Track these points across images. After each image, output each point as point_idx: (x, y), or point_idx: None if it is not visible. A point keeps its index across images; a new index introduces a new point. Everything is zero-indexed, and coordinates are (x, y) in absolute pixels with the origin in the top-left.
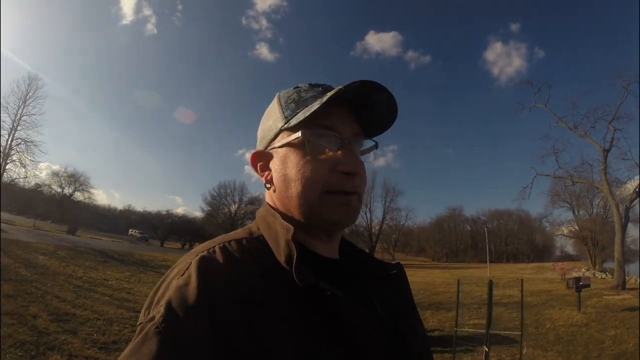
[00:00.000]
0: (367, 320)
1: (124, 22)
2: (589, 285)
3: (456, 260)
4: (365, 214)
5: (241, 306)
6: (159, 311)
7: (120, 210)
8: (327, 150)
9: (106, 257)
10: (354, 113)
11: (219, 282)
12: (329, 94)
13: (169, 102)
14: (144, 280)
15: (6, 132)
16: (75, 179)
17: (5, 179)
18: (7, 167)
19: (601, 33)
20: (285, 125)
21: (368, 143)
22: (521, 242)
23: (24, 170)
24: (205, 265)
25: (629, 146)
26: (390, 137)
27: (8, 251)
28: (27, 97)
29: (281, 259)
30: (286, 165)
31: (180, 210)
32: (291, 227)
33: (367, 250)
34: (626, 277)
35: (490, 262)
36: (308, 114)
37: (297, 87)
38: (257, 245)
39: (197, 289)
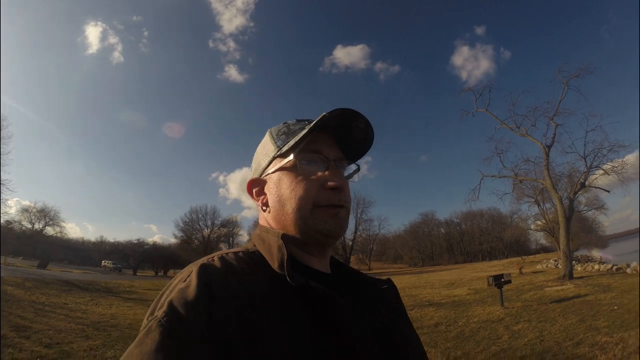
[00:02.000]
0: (361, 321)
1: (90, 51)
2: (509, 282)
3: (432, 264)
4: None
5: (239, 307)
6: (162, 310)
7: (93, 242)
8: (315, 171)
9: (71, 286)
10: (337, 140)
11: (218, 285)
12: (314, 121)
13: (141, 129)
14: (102, 303)
15: None
16: (45, 214)
17: None
18: None
19: (540, 33)
20: (278, 153)
21: (351, 167)
22: (495, 240)
23: None
24: (205, 270)
25: (572, 140)
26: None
27: None
28: None
29: (274, 265)
30: (280, 187)
31: (156, 238)
32: (281, 232)
33: (342, 261)
34: (573, 267)
35: (466, 262)
36: (298, 138)
37: (286, 122)
38: (253, 258)
39: (197, 290)
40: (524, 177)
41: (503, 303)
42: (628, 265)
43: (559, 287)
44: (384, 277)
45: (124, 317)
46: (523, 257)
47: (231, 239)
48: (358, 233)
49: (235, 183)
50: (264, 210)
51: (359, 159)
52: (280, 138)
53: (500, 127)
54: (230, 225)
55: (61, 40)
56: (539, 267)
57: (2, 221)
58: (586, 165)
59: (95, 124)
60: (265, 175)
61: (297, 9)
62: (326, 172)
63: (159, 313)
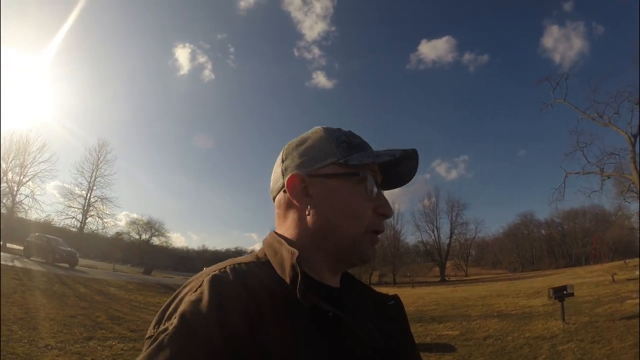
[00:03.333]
0: (370, 342)
1: (182, 72)
2: (572, 294)
3: (532, 268)
4: (432, 231)
5: (250, 321)
6: (172, 323)
7: (196, 251)
8: (374, 192)
9: (167, 289)
10: (380, 165)
11: (230, 298)
12: (398, 151)
13: (236, 144)
14: None
15: (84, 192)
16: (151, 226)
17: (86, 231)
18: (87, 220)
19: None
20: (341, 161)
21: None
22: (599, 241)
23: (101, 222)
24: (217, 282)
25: None
26: (462, 147)
27: (87, 285)
28: (99, 161)
29: (286, 279)
30: (337, 197)
31: (256, 246)
32: (296, 252)
33: (438, 268)
34: None
35: (568, 266)
36: (376, 160)
37: (339, 129)
38: (264, 269)
39: (209, 303)
40: (610, 173)
41: (564, 318)
42: None
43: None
44: (391, 292)
45: None
46: (627, 260)
47: None
48: (454, 237)
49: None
50: (307, 214)
51: (387, 189)
52: (342, 146)
53: (582, 117)
54: None
55: (155, 66)
56: (637, 273)
57: (110, 233)
58: None
59: (194, 140)
60: (318, 176)
61: (378, 8)
62: (378, 197)
63: (170, 325)
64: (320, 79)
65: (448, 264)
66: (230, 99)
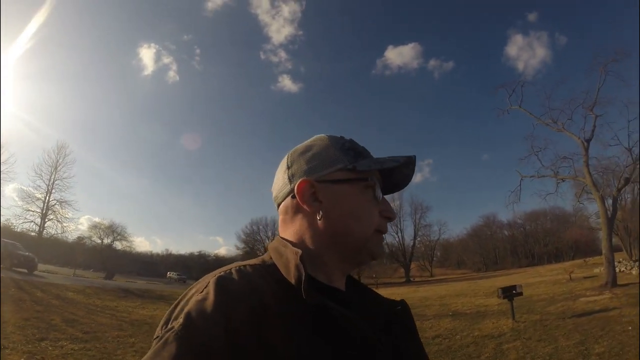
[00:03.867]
0: (377, 342)
1: (146, 72)
2: (520, 294)
3: (496, 268)
4: (397, 233)
5: (255, 320)
6: (178, 322)
7: (159, 255)
8: (379, 196)
9: (127, 293)
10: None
11: (236, 298)
12: (402, 158)
13: (202, 146)
14: (148, 307)
15: (42, 195)
16: (113, 230)
17: (45, 235)
18: (46, 224)
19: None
20: (351, 167)
21: None
22: (560, 240)
23: (61, 226)
24: (223, 283)
25: (614, 131)
26: (426, 151)
27: (44, 290)
28: (58, 164)
29: (291, 280)
30: (347, 201)
31: (222, 250)
32: (299, 251)
33: (403, 269)
34: (616, 273)
35: (531, 265)
36: (383, 167)
37: (342, 137)
38: (270, 271)
39: (214, 303)
40: (564, 176)
41: (514, 316)
42: None
43: (593, 298)
44: (398, 298)
45: (159, 317)
46: (586, 259)
47: None
48: (418, 239)
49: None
50: (319, 219)
51: (386, 194)
52: (349, 153)
53: (537, 123)
54: None
55: (119, 65)
56: (596, 270)
57: (71, 237)
58: (632, 157)
59: (157, 141)
60: (326, 182)
61: (345, 13)
62: (382, 201)
63: (176, 324)
64: (286, 83)
65: (413, 265)
66: (195, 101)
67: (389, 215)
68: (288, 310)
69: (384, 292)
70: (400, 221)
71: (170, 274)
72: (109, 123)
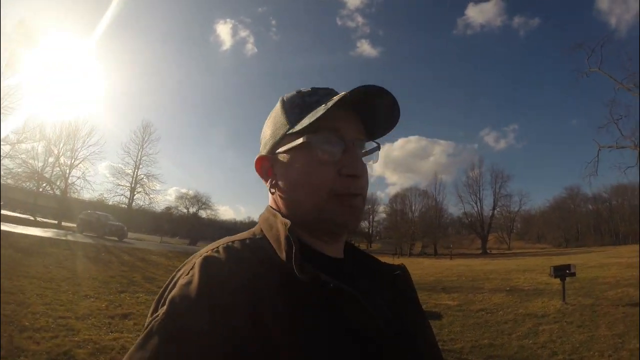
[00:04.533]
0: (374, 313)
1: (224, 47)
2: (574, 274)
3: (577, 245)
4: (475, 203)
5: (245, 300)
6: (163, 309)
7: (242, 222)
8: (331, 153)
9: None
10: (357, 115)
11: (222, 279)
12: (334, 99)
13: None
14: None
15: (131, 171)
16: (198, 200)
17: (134, 207)
18: (135, 197)
19: None
20: (290, 130)
21: (370, 145)
22: None
23: (148, 197)
24: (208, 264)
25: None
26: (512, 116)
27: (131, 254)
28: (144, 141)
29: (282, 255)
30: (291, 170)
31: None
32: (288, 222)
33: (480, 240)
34: None
35: (615, 244)
36: (313, 119)
37: (300, 91)
38: (260, 245)
39: (198, 286)
40: None
41: (565, 298)
42: None
43: None
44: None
45: None
46: None
47: (371, 216)
48: (497, 209)
49: (379, 159)
50: (272, 193)
51: (380, 137)
52: (294, 112)
53: (618, 88)
54: (369, 203)
55: (196, 42)
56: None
57: (159, 207)
58: None
59: (239, 114)
60: (276, 153)
61: None
62: (343, 155)
63: (161, 312)
64: (365, 48)
65: (491, 237)
66: (274, 72)
67: (347, 171)
68: (280, 286)
69: (453, 263)
70: (479, 190)
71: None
72: (193, 100)
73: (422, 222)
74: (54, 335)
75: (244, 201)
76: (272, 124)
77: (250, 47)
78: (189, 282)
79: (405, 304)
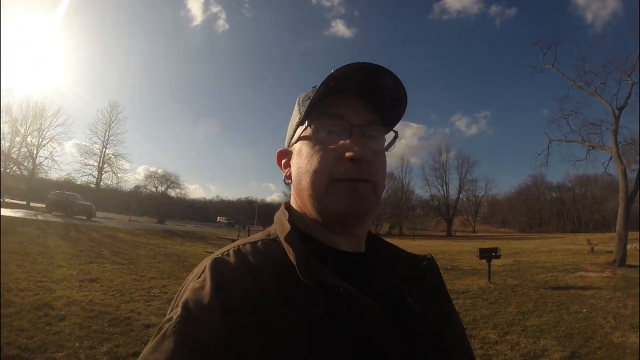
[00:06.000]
0: (384, 316)
1: (195, 23)
2: (499, 256)
3: (539, 230)
4: (442, 186)
5: (253, 307)
6: (176, 312)
7: (211, 201)
8: (336, 140)
9: (172, 234)
10: (366, 103)
11: (232, 283)
12: (324, 80)
13: (253, 93)
14: (186, 245)
15: (99, 150)
16: (167, 178)
17: (103, 186)
18: (103, 176)
19: None
20: (299, 120)
21: (389, 135)
22: (608, 209)
23: (116, 177)
24: (218, 267)
25: None
26: (485, 101)
27: (99, 231)
28: (111, 121)
29: (290, 256)
30: (300, 159)
31: (274, 196)
32: (288, 226)
33: (445, 223)
34: (626, 253)
35: (576, 231)
36: (310, 103)
37: (315, 86)
38: (271, 247)
39: (210, 290)
40: (592, 143)
41: (490, 278)
42: None
43: (589, 274)
44: (424, 254)
45: (190, 252)
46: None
47: None
48: (463, 193)
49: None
50: (288, 184)
51: (395, 124)
52: (304, 104)
53: (570, 85)
54: None
55: (166, 18)
56: (629, 247)
57: (128, 187)
58: None
59: (210, 91)
60: (291, 146)
61: None
62: (347, 141)
63: (174, 315)
64: (340, 28)
65: (456, 220)
66: (246, 49)
67: (349, 154)
68: (289, 290)
69: (413, 243)
70: (445, 174)
71: (220, 218)
72: (161, 77)
73: (389, 204)
74: (35, 293)
75: (214, 179)
76: (290, 120)
77: (222, 24)
78: (202, 287)
79: (431, 298)
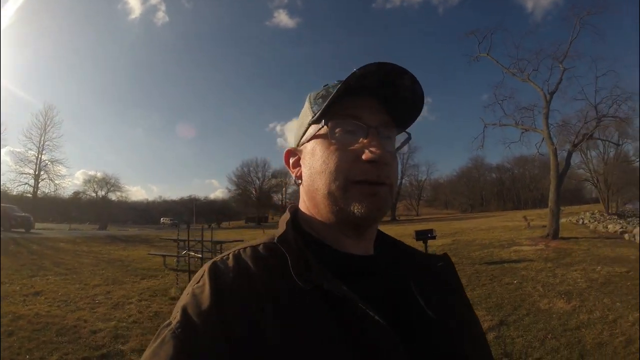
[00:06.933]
0: (385, 325)
1: (133, 16)
2: (434, 237)
3: (481, 210)
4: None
5: (252, 313)
6: (175, 317)
7: (154, 202)
8: (352, 140)
9: (114, 239)
10: (382, 104)
11: (230, 288)
12: (344, 80)
13: (193, 87)
14: (129, 249)
15: (34, 157)
16: (106, 182)
17: (40, 195)
18: (40, 184)
19: None
20: (312, 119)
21: (401, 137)
22: (545, 187)
23: (53, 184)
24: (216, 272)
25: (581, 85)
26: (426, 87)
27: (40, 243)
28: (46, 125)
29: (289, 261)
30: (314, 159)
31: (217, 193)
32: (285, 228)
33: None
34: (559, 226)
35: (516, 209)
36: (328, 102)
37: (326, 85)
38: (272, 250)
39: (209, 295)
40: (524, 126)
41: None
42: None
43: (523, 248)
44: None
45: (133, 256)
46: (563, 207)
47: (283, 189)
48: (405, 178)
49: (292, 132)
50: (299, 185)
51: (409, 125)
52: (317, 102)
53: (505, 72)
54: (281, 176)
55: (101, 11)
56: (563, 220)
57: (67, 193)
58: (596, 113)
59: (149, 88)
60: (302, 145)
61: None
62: (364, 141)
63: (173, 319)
64: (282, 18)
65: (400, 205)
66: (187, 41)
67: (367, 156)
68: (287, 295)
69: None
70: None
71: (163, 219)
72: (97, 76)
73: None
74: None
75: (156, 180)
76: (299, 118)
77: (161, 16)
78: (200, 292)
79: (445, 301)
